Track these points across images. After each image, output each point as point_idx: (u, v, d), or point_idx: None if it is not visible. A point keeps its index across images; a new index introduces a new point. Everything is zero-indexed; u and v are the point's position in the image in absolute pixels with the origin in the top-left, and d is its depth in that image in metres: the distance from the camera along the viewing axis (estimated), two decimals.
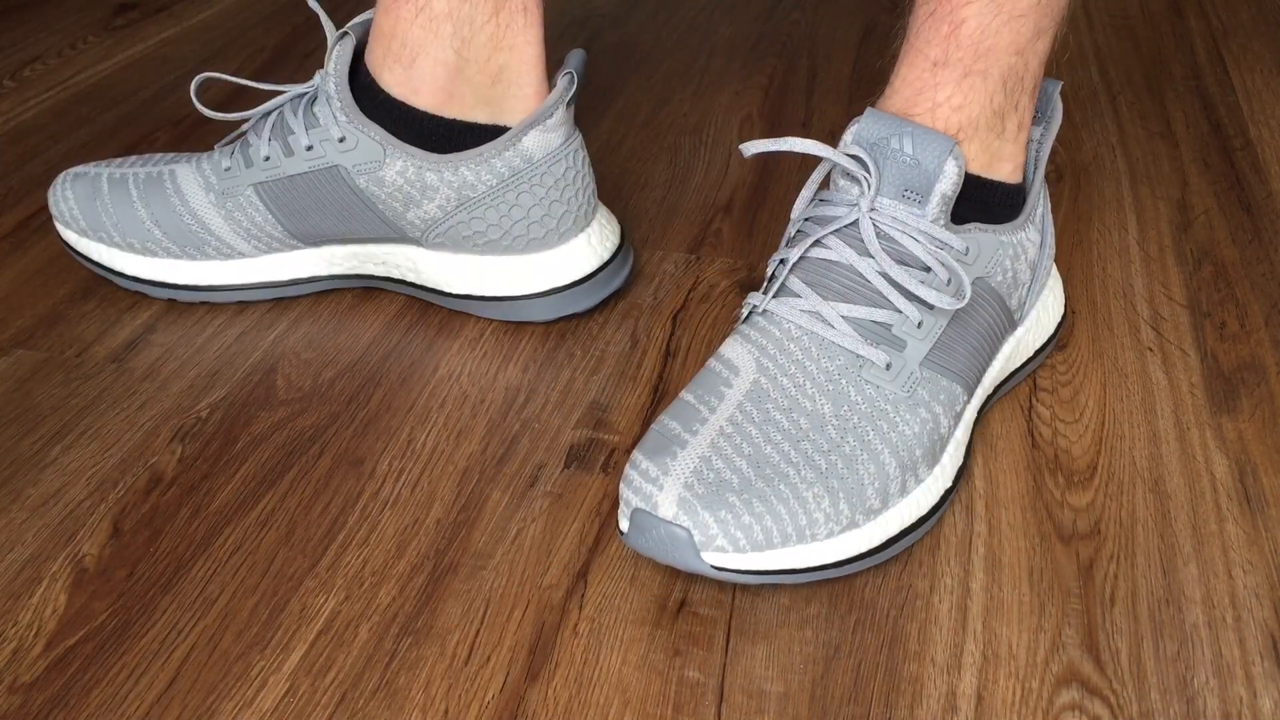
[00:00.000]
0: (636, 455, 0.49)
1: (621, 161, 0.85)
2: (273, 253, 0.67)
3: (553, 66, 0.68)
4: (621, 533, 0.49)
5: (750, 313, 0.55)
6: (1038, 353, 0.62)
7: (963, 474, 0.55)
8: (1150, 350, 0.64)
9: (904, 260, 0.52)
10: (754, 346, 0.52)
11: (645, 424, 0.60)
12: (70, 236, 0.68)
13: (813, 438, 0.49)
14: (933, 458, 0.52)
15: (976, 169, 0.56)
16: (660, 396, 0.62)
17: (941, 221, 0.53)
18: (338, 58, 0.62)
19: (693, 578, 0.51)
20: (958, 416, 0.54)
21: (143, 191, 0.66)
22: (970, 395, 0.55)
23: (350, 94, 0.62)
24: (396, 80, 0.62)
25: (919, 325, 0.52)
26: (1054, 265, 0.63)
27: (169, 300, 0.69)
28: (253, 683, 0.46)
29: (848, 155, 0.53)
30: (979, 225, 0.54)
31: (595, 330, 0.67)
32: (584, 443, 0.59)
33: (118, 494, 0.56)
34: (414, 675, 0.47)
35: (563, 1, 1.13)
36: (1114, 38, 1.03)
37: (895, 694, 0.46)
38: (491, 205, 0.63)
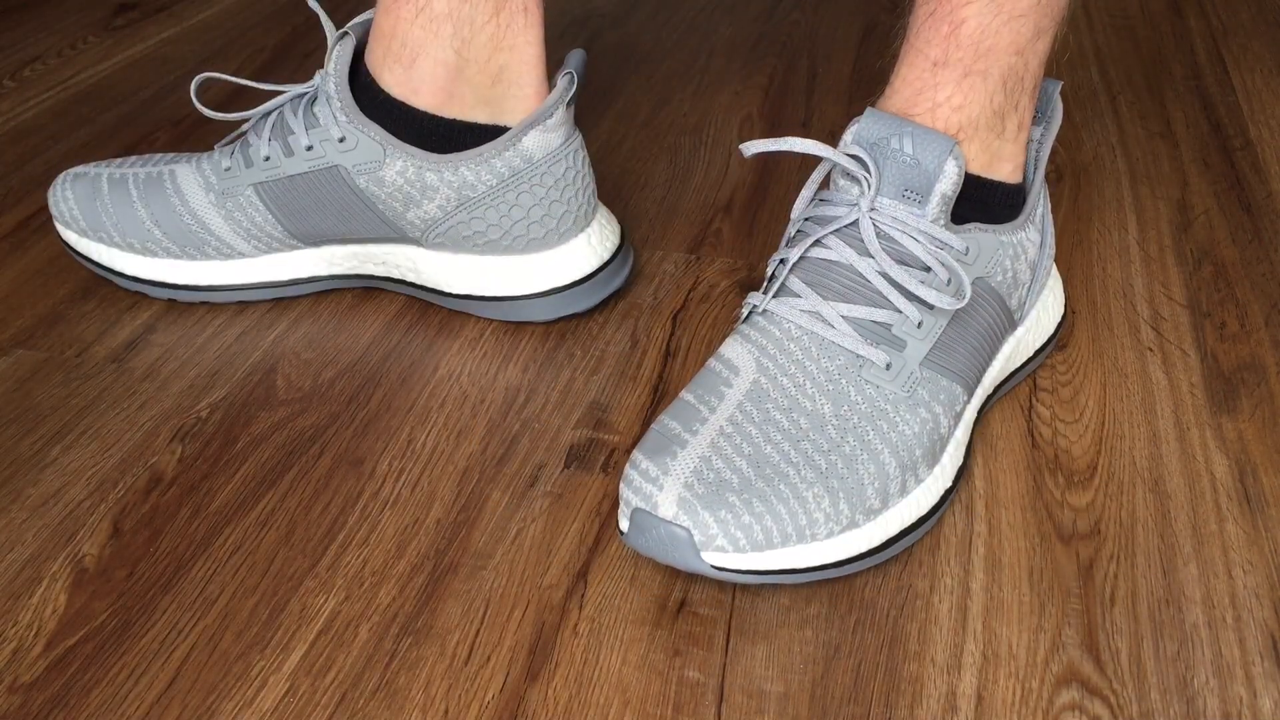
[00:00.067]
0: (636, 455, 0.49)
1: (621, 161, 0.85)
2: (273, 253, 0.67)
3: (553, 66, 0.68)
4: (621, 533, 0.49)
5: (750, 313, 0.55)
6: (1038, 353, 0.62)
7: (963, 474, 0.55)
8: (1150, 350, 0.64)
9: (904, 260, 0.52)
10: (754, 346, 0.52)
11: (645, 424, 0.60)
12: (70, 236, 0.68)
13: (813, 438, 0.49)
14: (933, 458, 0.52)
15: (976, 169, 0.56)
16: (660, 396, 0.62)
17: (941, 221, 0.53)
18: (338, 58, 0.62)
19: (693, 578, 0.51)
20: (958, 416, 0.54)
21: (143, 191, 0.66)
22: (970, 395, 0.55)
23: (350, 94, 0.62)
24: (396, 80, 0.62)
25: (919, 325, 0.52)
26: (1054, 265, 0.63)
27: (169, 300, 0.69)
28: (253, 683, 0.46)
29: (848, 155, 0.53)
30: (979, 225, 0.54)
31: (595, 330, 0.67)
32: (584, 443, 0.59)
33: (118, 494, 0.56)
34: (414, 675, 0.47)
35: (563, 1, 1.13)
36: (1114, 38, 1.03)
37: (895, 694, 0.46)
38: (491, 205, 0.63)
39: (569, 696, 0.46)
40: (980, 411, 0.58)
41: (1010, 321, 0.57)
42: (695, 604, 0.50)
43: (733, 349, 0.53)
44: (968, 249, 0.54)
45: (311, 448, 0.58)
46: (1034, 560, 0.51)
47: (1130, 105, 0.91)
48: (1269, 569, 0.51)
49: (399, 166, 0.62)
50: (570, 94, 0.63)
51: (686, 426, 0.50)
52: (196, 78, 0.70)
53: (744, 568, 0.47)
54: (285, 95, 0.64)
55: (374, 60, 0.63)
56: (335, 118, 0.62)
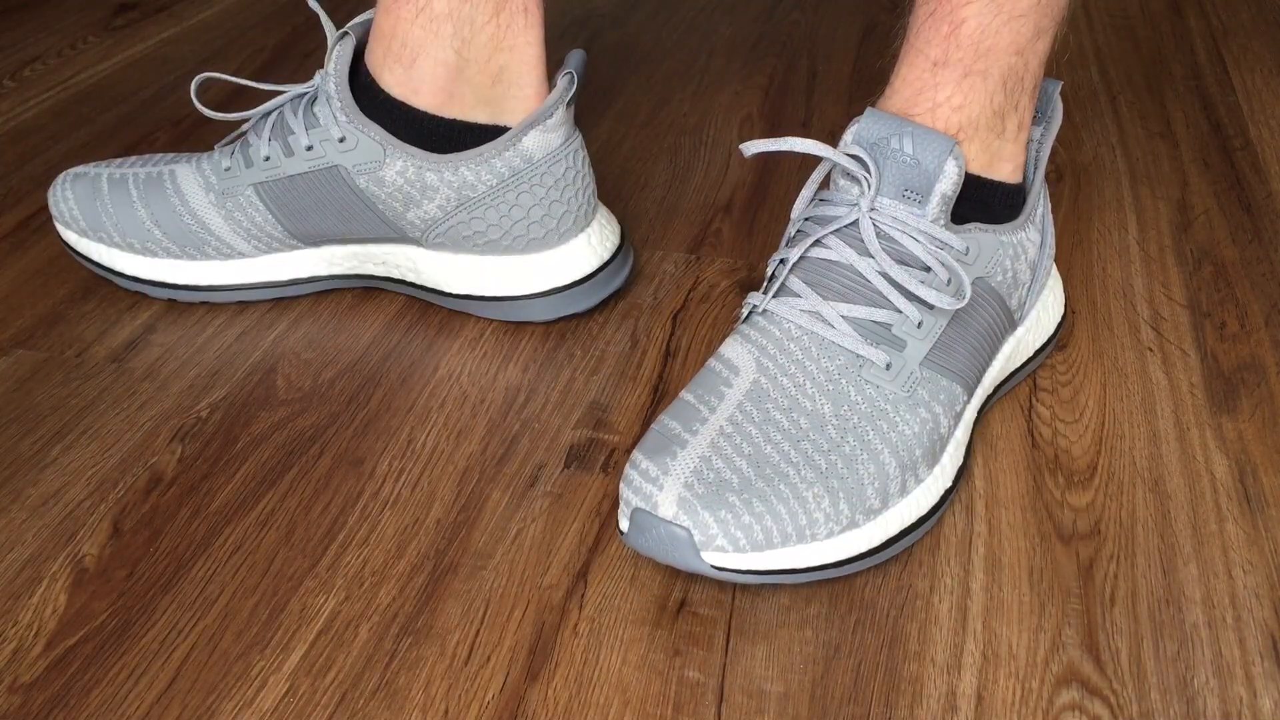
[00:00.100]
0: (636, 455, 0.49)
1: (621, 161, 0.85)
2: (273, 253, 0.67)
3: (553, 66, 0.68)
4: (621, 533, 0.49)
5: (750, 312, 0.55)
6: (1038, 353, 0.62)
7: (963, 474, 0.55)
8: (1150, 350, 0.64)
9: (904, 260, 0.52)
10: (754, 346, 0.52)
11: (645, 424, 0.60)
12: (70, 236, 0.68)
13: (813, 437, 0.49)
14: (933, 458, 0.52)
15: (976, 169, 0.56)
16: (660, 396, 0.62)
17: (941, 221, 0.53)
18: (338, 58, 0.62)
19: (693, 578, 0.51)
20: (958, 416, 0.54)
21: (143, 191, 0.66)
22: (970, 395, 0.55)
23: (350, 94, 0.62)
24: (396, 80, 0.62)
25: (919, 325, 0.52)
26: (1054, 265, 0.63)
27: (169, 300, 0.69)
28: (253, 683, 0.46)
29: (848, 155, 0.53)
30: (979, 225, 0.54)
31: (595, 330, 0.67)
32: (584, 443, 0.59)
33: (118, 494, 0.56)
34: (414, 675, 0.47)
35: (563, 1, 1.13)
36: (1114, 38, 1.03)
37: (895, 694, 0.46)
38: (491, 205, 0.63)
39: (569, 696, 0.46)
40: (980, 411, 0.58)
41: (1010, 321, 0.57)
42: (695, 604, 0.50)
43: (733, 349, 0.53)
44: (968, 249, 0.54)
45: (311, 448, 0.58)
46: (1034, 560, 0.51)
47: (1130, 105, 0.91)
48: (1269, 569, 0.51)
49: (399, 166, 0.62)
50: (570, 94, 0.63)
51: (686, 426, 0.50)
52: (196, 78, 0.70)
53: (744, 568, 0.47)
54: (285, 95, 0.64)
55: (374, 60, 0.63)
56: (335, 118, 0.62)
